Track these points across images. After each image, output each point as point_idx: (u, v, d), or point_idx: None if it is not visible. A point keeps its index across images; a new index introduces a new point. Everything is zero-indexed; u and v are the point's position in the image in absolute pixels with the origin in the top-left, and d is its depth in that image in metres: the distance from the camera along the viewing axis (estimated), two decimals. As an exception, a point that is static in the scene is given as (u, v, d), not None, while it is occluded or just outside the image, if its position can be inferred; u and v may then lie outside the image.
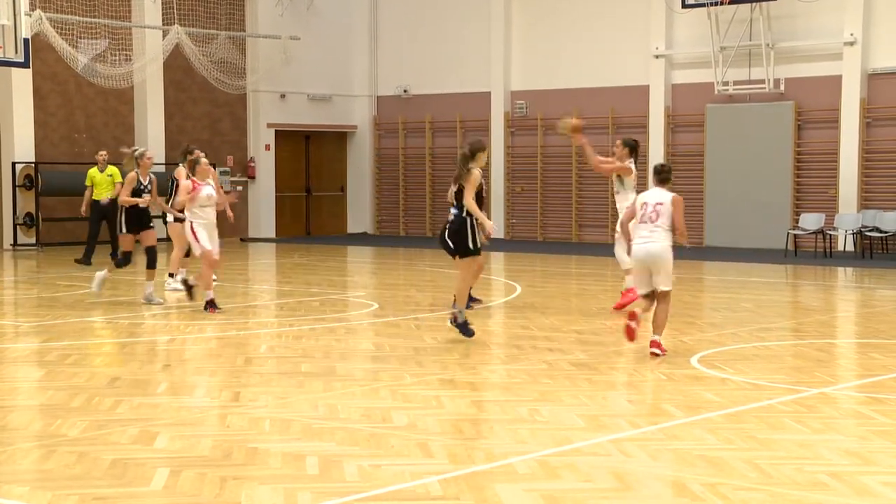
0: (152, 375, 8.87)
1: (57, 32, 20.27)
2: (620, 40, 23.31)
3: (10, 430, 6.97)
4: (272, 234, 25.22)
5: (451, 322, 10.35)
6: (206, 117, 24.63)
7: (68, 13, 21.14)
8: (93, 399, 7.68)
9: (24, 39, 15.79)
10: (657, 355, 9.22)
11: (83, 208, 18.15)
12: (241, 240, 24.29)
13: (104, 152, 18.24)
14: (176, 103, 23.93)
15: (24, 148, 21.30)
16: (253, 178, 25.24)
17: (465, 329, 10.22)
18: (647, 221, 9.32)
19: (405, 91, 26.13)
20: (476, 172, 10.00)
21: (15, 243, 21.44)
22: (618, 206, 11.93)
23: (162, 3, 22.87)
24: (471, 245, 10.12)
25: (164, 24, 22.73)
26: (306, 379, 8.46)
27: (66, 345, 10.26)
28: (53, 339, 10.64)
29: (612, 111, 23.45)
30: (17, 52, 15.69)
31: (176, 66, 23.06)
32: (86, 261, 17.85)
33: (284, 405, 7.57)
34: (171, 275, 14.21)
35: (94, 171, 18.07)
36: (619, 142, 12.14)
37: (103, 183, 17.89)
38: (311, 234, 26.50)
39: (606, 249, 16.79)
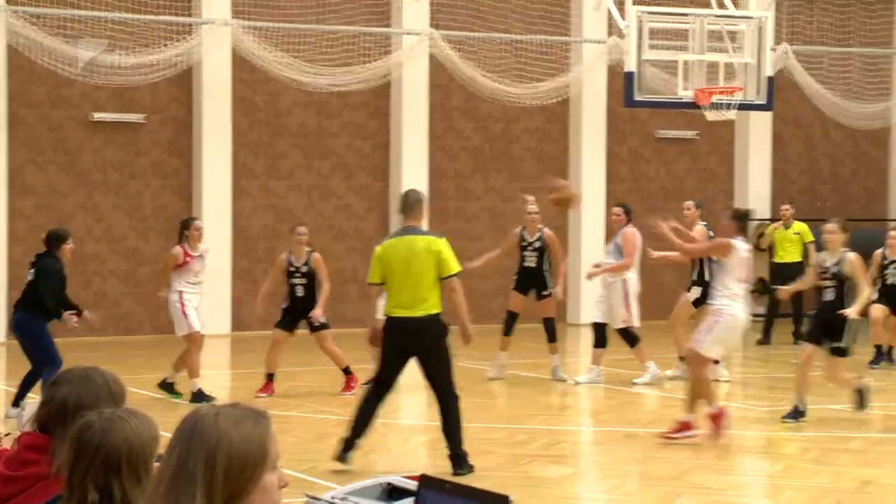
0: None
1: (804, 68, 20.77)
2: None
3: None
4: None
5: None
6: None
7: (818, 44, 21.60)
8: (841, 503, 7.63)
9: (768, 78, 16.39)
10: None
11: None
12: None
13: (789, 205, 18.08)
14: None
15: (759, 202, 22.07)
16: None
17: None
18: None
19: None
20: None
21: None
22: None
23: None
24: None
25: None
26: None
27: (805, 436, 10.33)
28: (791, 430, 10.78)
29: None
30: (759, 93, 16.34)
31: (942, 99, 22.41)
32: (766, 340, 17.65)
33: None
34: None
35: (775, 229, 18.00)
36: None
37: (787, 243, 17.75)
38: None
39: None
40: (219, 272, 17.51)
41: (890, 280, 14.51)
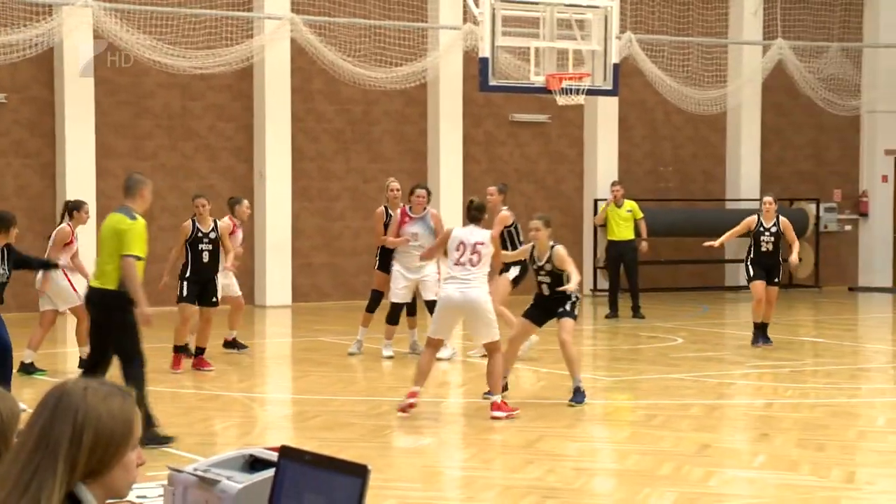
0: (748, 445, 8.87)
1: (647, 55, 21.20)
2: None
3: (594, 495, 7.33)
4: (888, 283, 24.21)
5: None
6: (811, 145, 24.34)
7: (660, 33, 22.04)
8: (681, 468, 7.84)
9: (614, 65, 16.68)
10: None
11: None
12: (850, 289, 23.61)
13: (619, 186, 18.38)
14: (775, 129, 23.93)
15: (606, 184, 22.45)
16: (865, 215, 24.44)
17: None
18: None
19: None
20: None
21: (595, 288, 22.57)
22: None
23: (764, 15, 23.00)
24: None
25: (765, 39, 22.86)
26: (936, 463, 7.98)
27: (649, 403, 10.61)
28: (638, 397, 11.05)
29: None
30: (605, 79, 16.62)
31: (776, 86, 23.08)
32: (613, 313, 17.85)
33: (908, 493, 7.19)
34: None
35: (609, 208, 18.22)
36: None
37: (619, 220, 18.00)
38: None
39: None
40: (83, 251, 17.17)
41: (764, 247, 14.18)
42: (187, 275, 12.25)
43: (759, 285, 14.13)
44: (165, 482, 3.46)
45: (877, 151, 24.37)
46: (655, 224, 19.72)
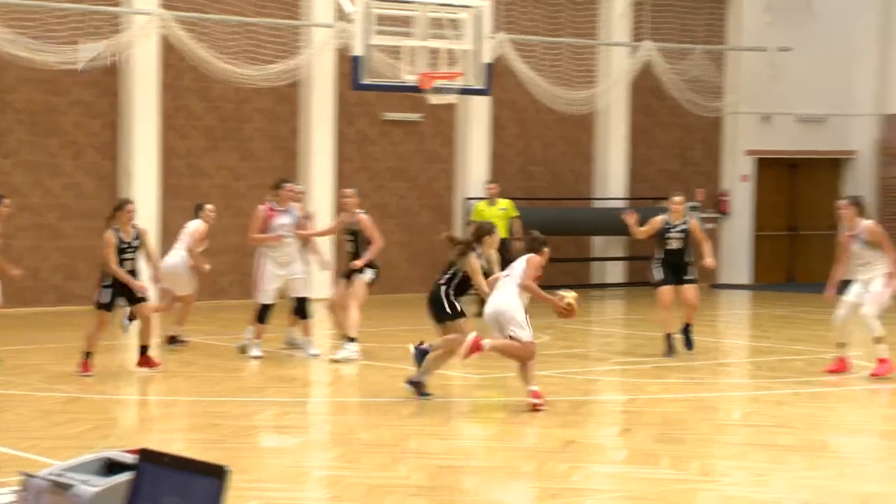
0: (610, 440, 9.07)
1: (519, 55, 21.44)
2: None
3: (460, 492, 7.44)
4: (748, 280, 24.90)
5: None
6: (676, 145, 24.89)
7: (531, 34, 22.31)
8: (545, 464, 8.00)
9: (486, 65, 16.85)
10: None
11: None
12: (712, 286, 24.21)
13: (494, 184, 18.52)
14: (642, 129, 24.42)
15: (478, 182, 22.65)
16: (726, 213, 25.10)
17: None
18: None
19: (919, 108, 24.84)
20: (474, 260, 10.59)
21: (467, 285, 22.78)
22: None
23: (632, 18, 23.44)
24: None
25: (633, 41, 23.30)
26: (787, 454, 8.27)
27: (517, 400, 10.77)
28: (507, 394, 11.21)
29: None
30: (478, 78, 16.77)
31: (644, 87, 23.55)
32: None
33: (761, 483, 7.45)
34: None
35: (482, 206, 18.38)
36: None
37: (494, 218, 18.18)
38: (796, 280, 25.83)
39: None
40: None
41: (672, 245, 13.61)
42: (109, 282, 11.82)
43: (665, 292, 13.48)
44: (18, 488, 3.44)
45: (738, 152, 25.05)
46: (526, 222, 19.90)
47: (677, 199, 13.87)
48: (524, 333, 9.94)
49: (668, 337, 13.39)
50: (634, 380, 12.04)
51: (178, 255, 13.96)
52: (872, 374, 11.75)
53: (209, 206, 14.31)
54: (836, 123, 25.63)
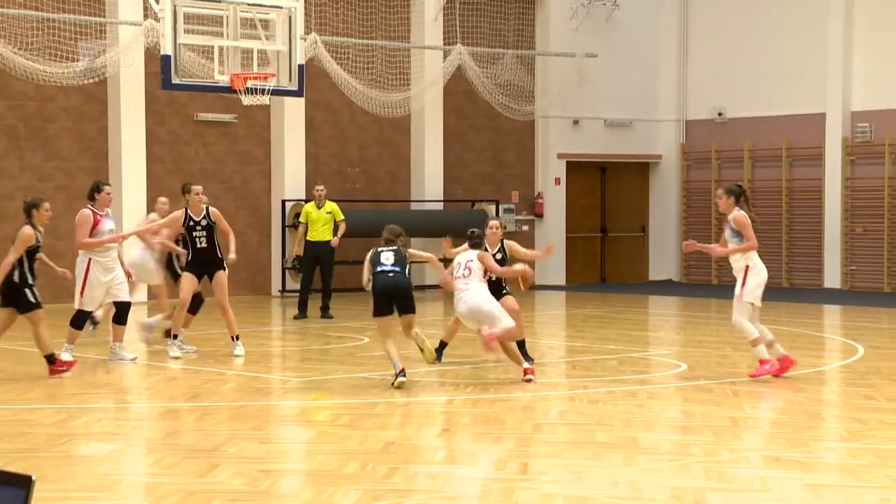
0: (430, 441, 9.11)
1: (332, 57, 21.38)
2: None
3: (280, 496, 7.36)
4: (562, 282, 25.41)
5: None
6: (490, 147, 25.22)
7: (344, 35, 22.27)
8: (366, 466, 7.99)
9: (299, 66, 16.74)
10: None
11: (295, 249, 18.36)
12: (529, 287, 24.62)
13: (322, 186, 18.46)
14: (456, 132, 24.65)
15: (294, 184, 22.49)
16: (541, 216, 25.56)
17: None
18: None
19: (719, 114, 25.79)
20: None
21: (283, 290, 22.55)
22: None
23: (444, 22, 23.64)
24: None
25: (445, 44, 23.50)
26: (604, 450, 8.45)
27: (336, 403, 10.73)
28: (324, 397, 11.15)
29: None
30: (291, 79, 16.66)
31: (457, 90, 23.78)
32: (302, 314, 17.90)
33: (579, 480, 7.59)
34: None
35: (310, 207, 18.17)
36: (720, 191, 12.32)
37: (320, 221, 18.00)
38: (607, 280, 26.50)
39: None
40: None
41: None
42: (31, 281, 11.72)
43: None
44: None
45: (550, 155, 25.54)
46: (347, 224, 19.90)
47: (494, 223, 13.10)
48: (506, 319, 11.35)
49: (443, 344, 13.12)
50: (453, 381, 12.13)
51: (137, 248, 14.60)
52: (751, 375, 11.90)
53: (162, 199, 14.96)
54: (642, 128, 26.42)
